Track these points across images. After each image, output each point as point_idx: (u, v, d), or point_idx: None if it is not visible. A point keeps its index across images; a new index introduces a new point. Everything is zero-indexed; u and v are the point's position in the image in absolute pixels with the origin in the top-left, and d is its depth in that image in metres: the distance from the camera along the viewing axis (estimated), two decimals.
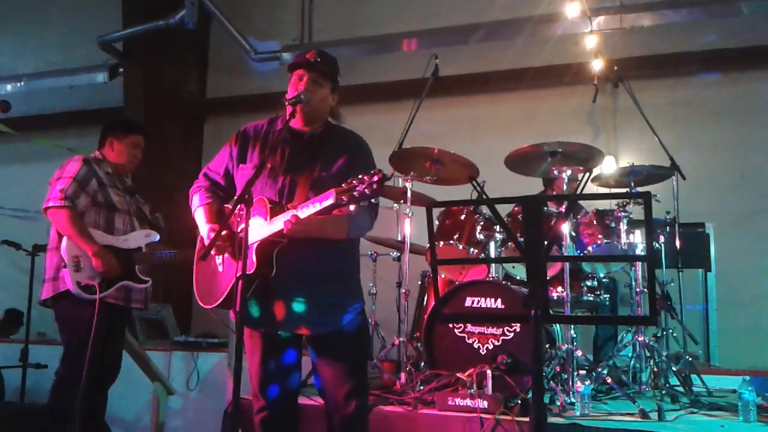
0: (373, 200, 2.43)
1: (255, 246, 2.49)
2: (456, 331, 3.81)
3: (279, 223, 2.45)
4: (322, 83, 2.73)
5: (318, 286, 2.63)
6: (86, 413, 3.51)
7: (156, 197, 6.58)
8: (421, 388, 3.65)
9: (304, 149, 2.70)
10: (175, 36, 6.90)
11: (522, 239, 2.10)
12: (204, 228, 2.73)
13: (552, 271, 3.86)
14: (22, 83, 7.85)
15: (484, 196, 2.66)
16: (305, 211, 2.41)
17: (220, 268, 2.69)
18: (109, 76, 7.46)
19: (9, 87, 7.86)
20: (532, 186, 4.73)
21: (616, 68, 5.09)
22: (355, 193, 2.26)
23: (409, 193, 4.19)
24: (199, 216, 2.79)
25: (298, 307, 2.62)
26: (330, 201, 2.32)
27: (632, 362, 4.02)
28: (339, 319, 2.68)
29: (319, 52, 2.76)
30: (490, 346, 3.71)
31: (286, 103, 2.65)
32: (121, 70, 7.35)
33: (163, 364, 5.15)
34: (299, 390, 2.91)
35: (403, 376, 3.89)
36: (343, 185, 2.30)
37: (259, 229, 2.50)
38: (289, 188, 2.64)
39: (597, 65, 5.38)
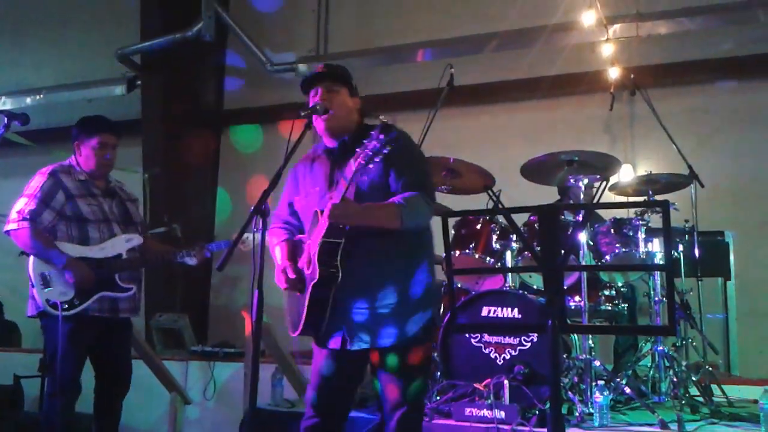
0: (422, 186, 2.53)
1: (315, 254, 2.53)
2: (472, 341, 3.79)
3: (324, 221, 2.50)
4: (337, 89, 2.73)
5: (378, 297, 2.58)
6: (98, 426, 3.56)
7: (174, 207, 6.68)
8: (438, 398, 3.63)
9: (339, 161, 2.70)
10: (193, 48, 6.97)
11: (538, 248, 2.09)
12: (280, 265, 2.78)
13: (569, 280, 3.84)
14: (41, 96, 7.95)
15: (500, 206, 2.66)
16: (337, 194, 2.47)
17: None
18: (127, 89, 7.55)
19: (28, 100, 7.97)
20: (549, 195, 4.71)
21: (632, 76, 5.06)
22: (368, 150, 2.35)
23: None
24: (277, 254, 2.84)
25: (359, 318, 2.59)
26: (353, 170, 2.40)
27: (651, 372, 3.97)
28: (402, 332, 2.59)
29: (325, 64, 2.82)
30: (507, 356, 3.69)
31: (302, 115, 2.68)
32: (139, 82, 7.42)
33: (179, 374, 5.17)
34: (350, 405, 2.84)
35: None
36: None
37: (317, 238, 2.55)
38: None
39: (613, 73, 5.36)
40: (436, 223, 2.47)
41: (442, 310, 4.63)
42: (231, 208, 7.14)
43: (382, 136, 2.36)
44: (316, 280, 2.51)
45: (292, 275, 2.66)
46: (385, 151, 2.39)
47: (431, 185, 2.72)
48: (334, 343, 2.62)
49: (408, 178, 2.59)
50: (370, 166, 2.44)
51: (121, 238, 3.56)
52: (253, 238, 2.50)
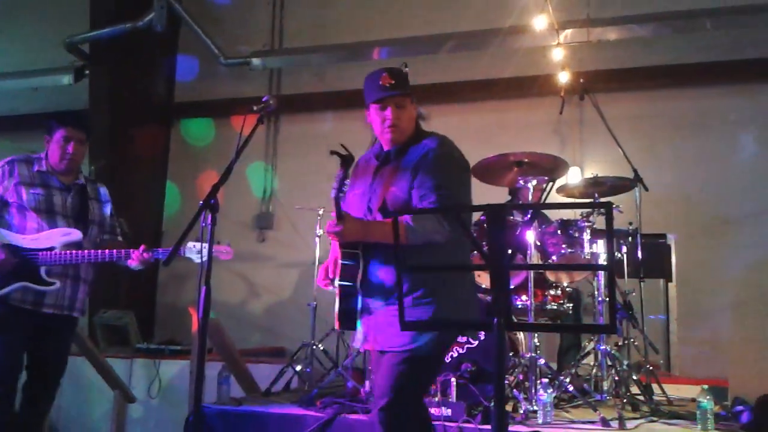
0: (439, 203, 2.51)
1: (338, 258, 2.64)
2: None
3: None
4: (405, 104, 2.70)
5: (391, 301, 2.57)
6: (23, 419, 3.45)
7: (121, 201, 6.50)
8: None
9: (387, 166, 2.71)
10: (144, 39, 6.82)
11: (486, 247, 2.11)
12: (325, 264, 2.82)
13: (517, 279, 3.89)
14: None
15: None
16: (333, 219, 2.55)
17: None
18: (74, 78, 7.33)
19: None
20: (500, 195, 4.77)
21: (582, 81, 5.16)
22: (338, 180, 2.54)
23: None
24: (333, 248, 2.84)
25: (376, 322, 2.61)
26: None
27: (594, 371, 4.07)
28: (411, 339, 2.52)
29: (390, 73, 2.70)
30: (455, 354, 3.73)
31: (254, 110, 2.67)
32: (87, 72, 7.23)
33: (124, 372, 5.07)
34: None
35: (367, 383, 3.88)
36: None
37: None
38: (367, 206, 2.69)
39: (564, 77, 5.45)
40: None
41: None
42: (180, 203, 7.02)
43: (342, 170, 2.50)
44: (340, 283, 2.59)
45: (330, 274, 2.72)
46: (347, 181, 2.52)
47: (456, 195, 2.61)
48: (358, 342, 2.69)
49: (427, 192, 2.56)
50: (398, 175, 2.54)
51: (58, 231, 3.45)
52: (201, 232, 2.46)
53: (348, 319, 2.64)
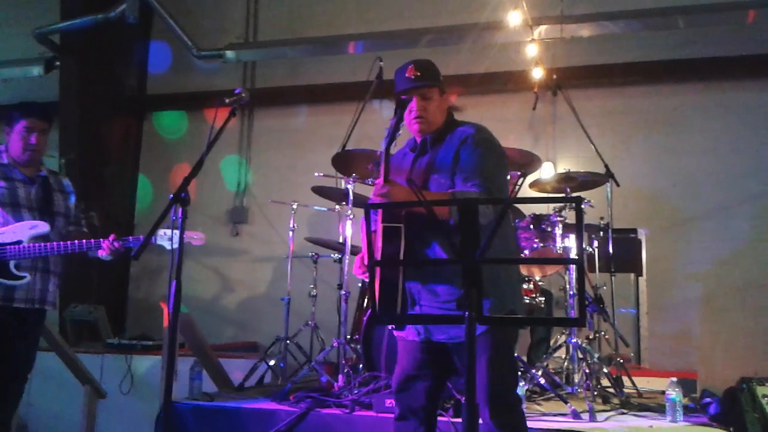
0: (484, 185, 2.46)
1: (379, 239, 2.50)
2: (395, 333, 3.82)
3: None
4: (431, 95, 2.69)
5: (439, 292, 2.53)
6: None
7: (92, 195, 6.44)
8: (358, 390, 3.64)
9: (424, 156, 2.69)
10: (116, 30, 6.72)
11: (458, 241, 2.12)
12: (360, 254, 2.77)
13: None
14: None
15: (422, 199, 2.70)
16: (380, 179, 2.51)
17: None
18: (45, 70, 7.22)
19: None
20: None
21: (555, 77, 5.20)
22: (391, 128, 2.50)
23: (350, 195, 4.20)
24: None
25: (425, 311, 2.53)
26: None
27: (565, 364, 4.12)
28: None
29: (416, 65, 2.71)
30: None
31: (227, 102, 2.64)
32: (58, 63, 7.12)
33: (95, 367, 5.01)
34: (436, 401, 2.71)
35: (341, 378, 3.88)
36: None
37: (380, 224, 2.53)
38: None
39: (537, 73, 5.49)
40: (361, 214, 2.45)
41: (366, 302, 4.67)
42: (152, 196, 6.95)
43: (398, 112, 2.49)
44: (377, 259, 2.48)
45: (366, 262, 2.63)
46: (397, 133, 2.50)
47: (498, 185, 2.60)
48: (408, 332, 2.61)
49: (471, 174, 2.54)
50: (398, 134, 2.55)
51: (25, 224, 3.39)
52: (172, 226, 2.44)
53: (388, 310, 2.48)
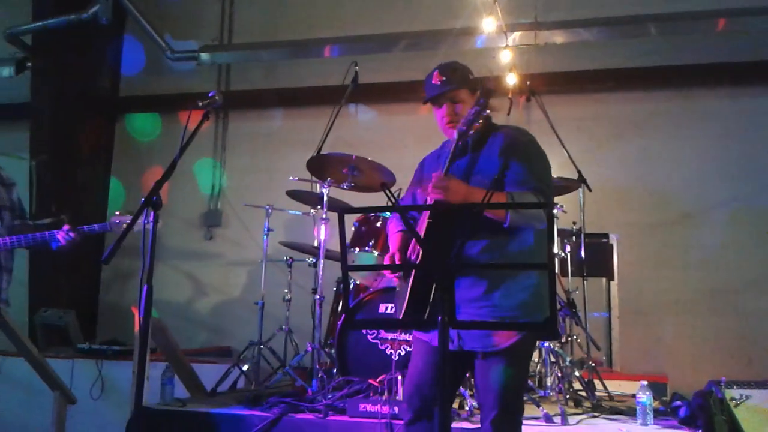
0: (539, 189, 2.44)
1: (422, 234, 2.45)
2: (369, 337, 3.83)
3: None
4: (460, 98, 2.67)
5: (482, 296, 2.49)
6: None
7: (63, 197, 6.36)
8: (332, 395, 3.64)
9: (462, 159, 2.65)
10: (88, 31, 6.64)
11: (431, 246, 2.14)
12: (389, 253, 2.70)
13: None
14: None
15: (396, 205, 2.71)
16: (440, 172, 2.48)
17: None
18: (16, 70, 7.10)
19: None
20: None
21: (528, 83, 5.24)
22: (469, 116, 2.44)
23: (325, 199, 4.20)
24: (391, 243, 2.77)
25: (462, 318, 2.43)
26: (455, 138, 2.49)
27: (538, 367, 4.15)
28: (499, 338, 2.44)
29: (440, 70, 2.70)
30: (402, 353, 3.75)
31: (200, 106, 2.61)
32: (29, 64, 7.01)
33: (65, 373, 4.93)
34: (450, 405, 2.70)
35: (315, 383, 3.87)
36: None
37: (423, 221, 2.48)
38: None
39: (511, 79, 5.53)
40: (336, 219, 2.43)
41: (340, 307, 4.66)
42: (125, 198, 6.86)
43: (482, 101, 2.44)
44: (418, 262, 2.43)
45: (398, 261, 2.60)
46: (485, 113, 2.47)
47: (550, 189, 2.60)
48: (431, 337, 2.54)
49: (524, 177, 2.51)
50: (471, 132, 2.51)
51: None
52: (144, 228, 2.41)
53: (418, 311, 2.40)
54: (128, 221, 3.24)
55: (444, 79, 2.67)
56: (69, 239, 3.23)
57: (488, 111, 2.61)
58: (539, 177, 2.55)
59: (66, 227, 3.23)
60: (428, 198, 2.50)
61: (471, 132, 2.57)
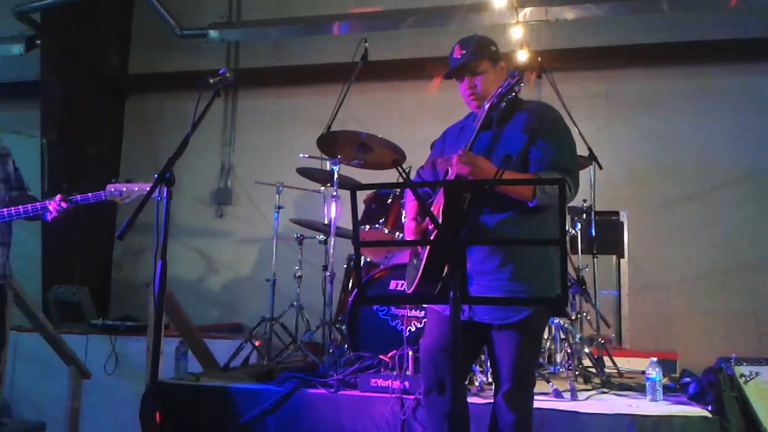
0: (567, 170, 2.43)
1: (440, 207, 2.43)
2: (380, 314, 3.85)
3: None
4: (481, 69, 2.65)
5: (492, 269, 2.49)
6: None
7: (73, 175, 6.38)
8: (343, 370, 3.67)
9: (487, 132, 2.62)
10: (97, 8, 6.63)
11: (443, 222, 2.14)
12: (407, 224, 2.72)
13: None
14: None
15: (408, 181, 2.71)
16: (464, 146, 2.47)
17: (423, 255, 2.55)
18: (25, 48, 7.10)
19: None
20: None
21: (539, 59, 5.19)
22: (501, 90, 2.43)
23: (336, 177, 4.20)
24: (408, 211, 2.79)
25: (476, 291, 2.46)
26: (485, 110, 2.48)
27: (548, 344, 4.17)
28: (509, 311, 2.46)
29: (461, 44, 2.69)
30: (413, 329, 3.77)
31: (211, 83, 2.61)
32: (39, 42, 7.01)
33: (79, 348, 4.99)
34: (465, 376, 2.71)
35: (326, 358, 3.91)
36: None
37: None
38: None
39: (522, 56, 5.49)
40: (346, 196, 2.43)
41: (351, 283, 4.69)
42: (135, 177, 6.87)
43: (516, 73, 2.42)
44: (435, 234, 2.43)
45: (417, 228, 2.61)
46: (518, 87, 2.46)
47: (577, 170, 2.59)
48: (444, 307, 2.54)
49: (553, 157, 2.50)
50: (502, 105, 2.50)
51: None
52: (156, 203, 2.42)
53: (430, 285, 2.42)
54: (124, 189, 3.22)
55: (464, 52, 2.66)
56: (61, 209, 3.16)
57: (521, 84, 2.57)
58: (567, 156, 2.55)
59: (58, 197, 3.15)
60: (450, 171, 2.49)
61: (503, 105, 2.55)
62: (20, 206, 3.21)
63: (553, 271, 2.49)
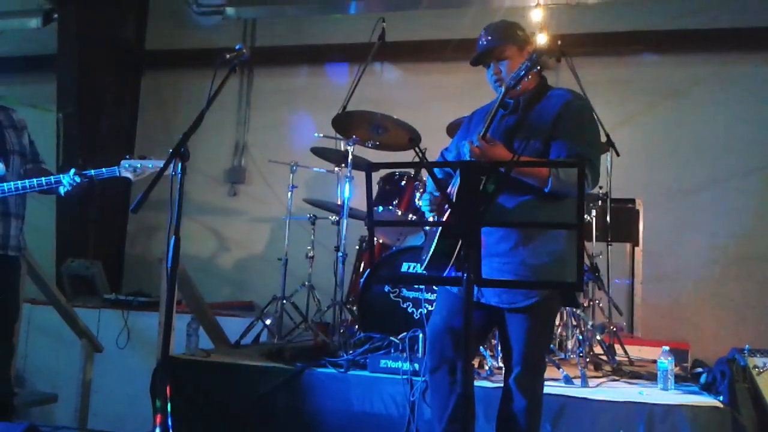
0: (585, 157, 2.41)
1: (456, 187, 2.45)
2: (391, 295, 3.85)
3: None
4: (507, 54, 2.64)
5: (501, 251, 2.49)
6: None
7: (89, 149, 6.40)
8: (353, 351, 3.67)
9: (512, 116, 2.63)
10: None
11: (458, 203, 2.12)
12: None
13: None
14: None
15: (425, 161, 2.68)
16: (481, 130, 2.47)
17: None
18: (42, 22, 7.10)
19: None
20: None
21: (559, 43, 5.12)
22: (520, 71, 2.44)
23: (350, 157, 4.18)
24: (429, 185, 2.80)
25: (487, 272, 2.40)
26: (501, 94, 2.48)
27: (559, 330, 4.15)
28: (524, 295, 2.47)
29: (486, 30, 2.69)
30: (424, 311, 3.77)
31: (227, 58, 2.59)
32: (56, 15, 7.00)
33: (92, 322, 5.04)
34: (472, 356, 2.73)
35: (336, 338, 3.91)
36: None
37: None
38: None
39: (541, 39, 5.41)
40: (360, 178, 2.42)
41: (363, 264, 4.68)
42: (150, 152, 6.89)
43: (534, 56, 2.44)
44: (449, 212, 2.44)
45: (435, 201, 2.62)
46: (536, 70, 2.46)
47: (598, 161, 2.58)
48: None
49: (573, 144, 2.48)
50: (518, 87, 2.51)
51: None
52: (171, 179, 2.41)
53: (441, 264, 2.42)
54: (138, 165, 3.21)
55: (489, 38, 2.65)
56: (75, 183, 3.14)
57: (538, 68, 2.55)
58: (588, 146, 2.52)
59: (72, 171, 3.14)
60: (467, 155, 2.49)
61: (519, 88, 2.54)
62: (34, 179, 3.21)
63: (565, 260, 2.48)
